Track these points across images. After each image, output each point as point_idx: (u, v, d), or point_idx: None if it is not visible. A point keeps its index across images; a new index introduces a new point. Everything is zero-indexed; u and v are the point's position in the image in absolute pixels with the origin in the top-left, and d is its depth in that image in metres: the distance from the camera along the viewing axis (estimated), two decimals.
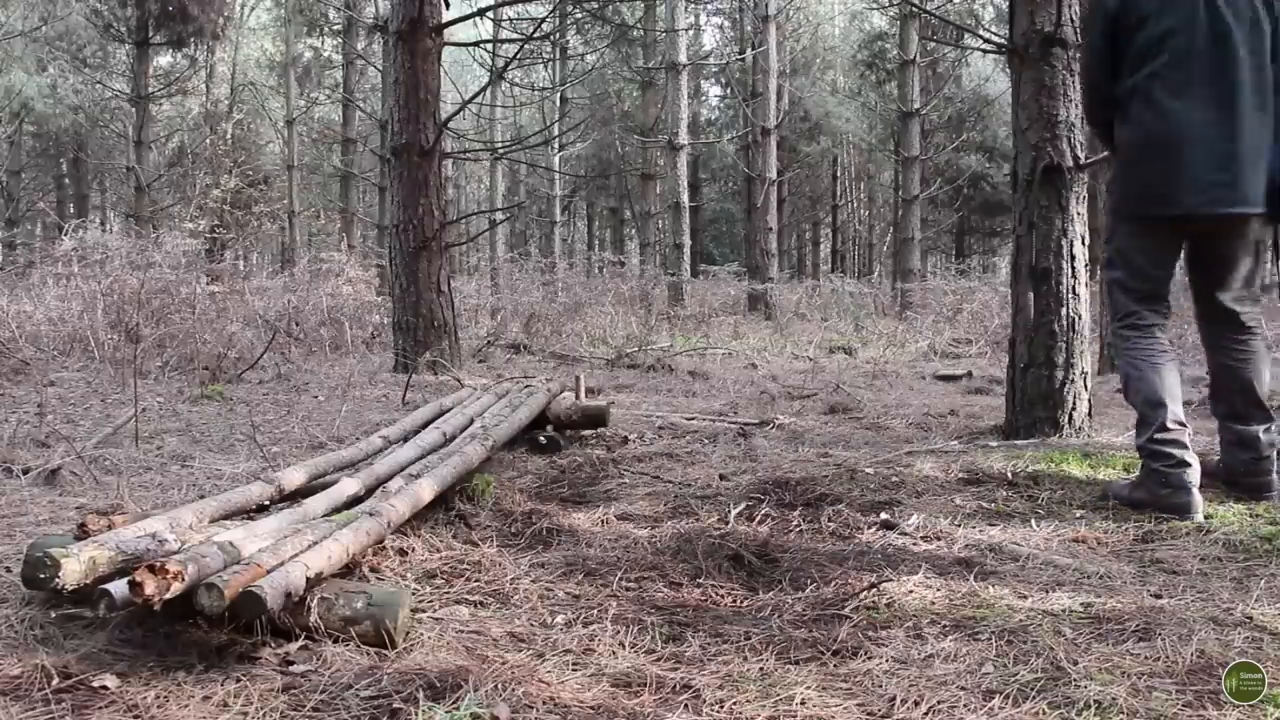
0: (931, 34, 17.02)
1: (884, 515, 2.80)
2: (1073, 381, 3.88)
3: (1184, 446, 2.85)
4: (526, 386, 4.20)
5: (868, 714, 1.61)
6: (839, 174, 31.85)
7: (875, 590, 2.15)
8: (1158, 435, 2.86)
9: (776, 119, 18.36)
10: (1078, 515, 2.85)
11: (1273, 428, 2.95)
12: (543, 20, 11.89)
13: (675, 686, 1.70)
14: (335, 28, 23.16)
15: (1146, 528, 2.70)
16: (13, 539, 2.49)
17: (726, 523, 2.75)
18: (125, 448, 3.88)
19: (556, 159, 22.41)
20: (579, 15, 17.84)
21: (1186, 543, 2.57)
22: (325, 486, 2.54)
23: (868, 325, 13.03)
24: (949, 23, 15.08)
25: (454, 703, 1.58)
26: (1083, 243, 3.92)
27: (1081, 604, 2.09)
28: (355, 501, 2.43)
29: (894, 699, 1.64)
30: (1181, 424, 2.88)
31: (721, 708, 1.62)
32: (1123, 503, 2.91)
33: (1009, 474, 3.23)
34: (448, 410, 3.72)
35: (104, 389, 5.73)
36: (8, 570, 2.20)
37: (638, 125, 21.71)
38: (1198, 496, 2.80)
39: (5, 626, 1.89)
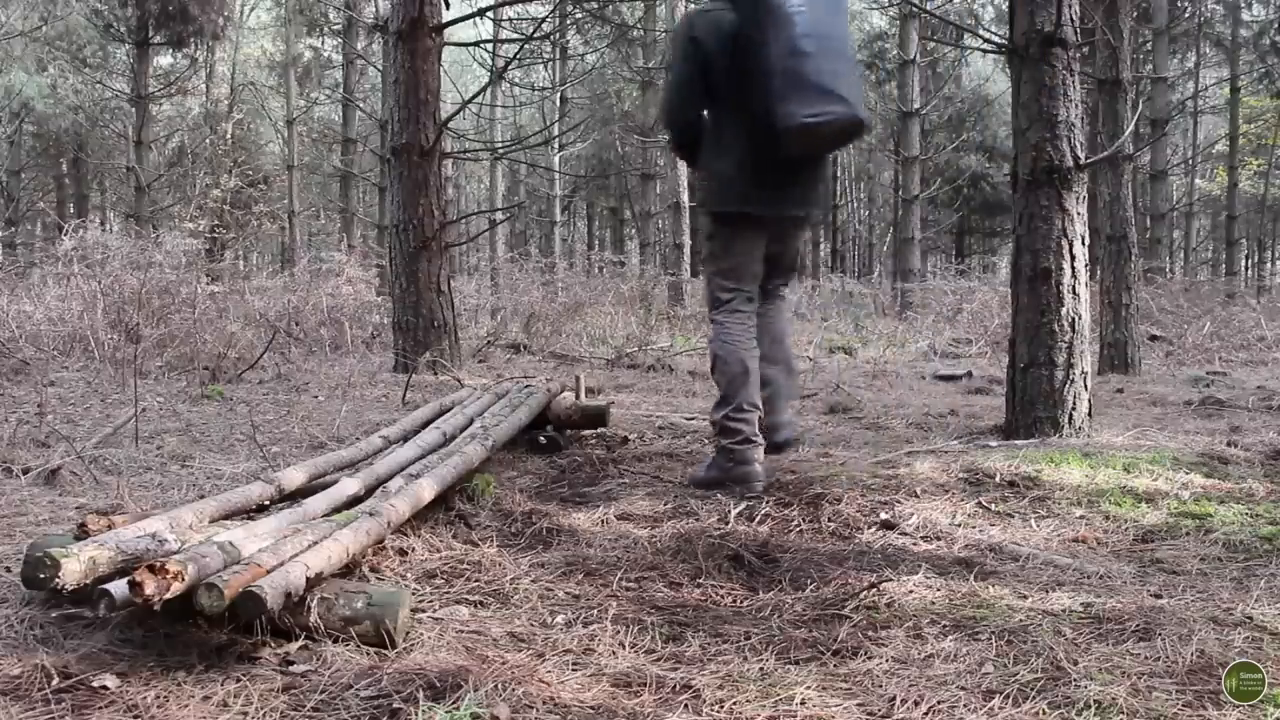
0: (931, 34, 17.00)
1: (884, 515, 2.80)
2: (1073, 381, 3.88)
3: (754, 426, 3.11)
4: (526, 386, 4.20)
5: (868, 714, 1.61)
6: (839, 174, 31.83)
7: (875, 590, 2.15)
8: (733, 414, 3.13)
9: None
10: (1078, 515, 2.85)
11: None
12: (543, 20, 11.90)
13: (675, 686, 1.70)
14: (335, 28, 23.14)
15: (1146, 528, 2.70)
16: (13, 539, 2.49)
17: (726, 523, 2.75)
18: (125, 448, 3.88)
19: (556, 159, 22.38)
20: (579, 15, 17.82)
21: (1186, 543, 2.57)
22: (325, 486, 2.54)
23: (868, 325, 13.02)
24: (949, 23, 15.08)
25: (454, 703, 1.58)
26: (1083, 243, 3.92)
27: (1081, 604, 2.09)
28: (355, 501, 2.43)
29: (894, 699, 1.64)
30: (755, 406, 3.16)
31: (721, 708, 1.62)
32: (699, 486, 3.12)
33: (1009, 474, 3.23)
34: (448, 410, 3.72)
35: (104, 389, 5.72)
36: (8, 570, 2.20)
37: (638, 125, 21.67)
38: (760, 469, 3.10)
39: (5, 626, 1.89)
